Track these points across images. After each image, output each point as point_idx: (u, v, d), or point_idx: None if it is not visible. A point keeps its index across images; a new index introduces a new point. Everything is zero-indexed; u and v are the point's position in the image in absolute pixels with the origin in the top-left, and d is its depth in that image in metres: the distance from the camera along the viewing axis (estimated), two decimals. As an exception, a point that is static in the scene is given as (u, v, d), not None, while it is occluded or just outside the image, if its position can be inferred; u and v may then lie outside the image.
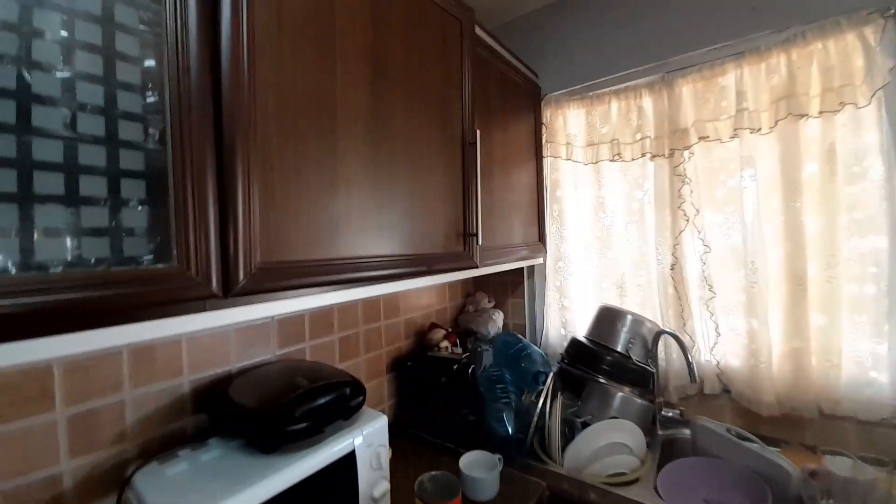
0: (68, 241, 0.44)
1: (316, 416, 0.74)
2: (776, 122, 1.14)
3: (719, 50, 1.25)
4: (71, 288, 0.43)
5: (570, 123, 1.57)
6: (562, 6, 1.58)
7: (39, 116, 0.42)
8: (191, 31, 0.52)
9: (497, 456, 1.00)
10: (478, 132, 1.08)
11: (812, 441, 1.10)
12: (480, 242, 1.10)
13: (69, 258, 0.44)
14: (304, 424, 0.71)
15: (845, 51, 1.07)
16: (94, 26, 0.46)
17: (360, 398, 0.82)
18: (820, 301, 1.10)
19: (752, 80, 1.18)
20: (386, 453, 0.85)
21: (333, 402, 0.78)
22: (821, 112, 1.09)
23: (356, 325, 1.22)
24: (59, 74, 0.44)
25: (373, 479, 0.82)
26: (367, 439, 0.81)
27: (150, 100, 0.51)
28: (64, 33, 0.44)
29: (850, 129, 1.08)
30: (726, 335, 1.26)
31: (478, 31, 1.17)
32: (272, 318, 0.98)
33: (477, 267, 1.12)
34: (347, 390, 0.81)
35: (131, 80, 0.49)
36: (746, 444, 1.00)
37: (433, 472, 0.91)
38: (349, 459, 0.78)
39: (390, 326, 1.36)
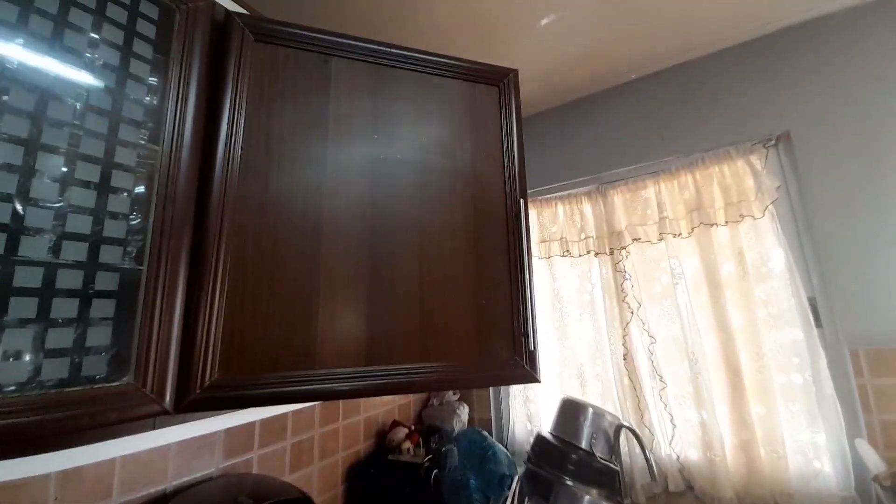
0: (29, 363, 0.45)
1: (260, 542, 0.68)
2: (692, 229, 1.34)
3: (640, 168, 1.49)
4: (22, 411, 0.43)
5: (523, 223, 1.74)
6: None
7: (27, 246, 0.46)
8: (182, 165, 0.60)
9: (461, 578, 0.92)
10: (521, 202, 0.88)
11: (776, 539, 1.09)
12: (533, 346, 0.82)
13: (25, 380, 0.44)
14: (245, 553, 0.65)
15: (737, 173, 1.31)
16: (94, 166, 0.53)
17: (311, 516, 0.77)
18: (756, 391, 1.18)
19: (668, 193, 1.40)
20: (337, 583, 0.77)
21: (281, 522, 0.72)
22: (726, 222, 1.29)
23: (311, 428, 1.15)
24: (52, 206, 0.49)
25: None
26: (315, 567, 0.74)
27: (134, 223, 0.56)
28: (64, 170, 0.50)
29: (753, 235, 1.27)
30: (682, 426, 1.30)
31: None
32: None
33: (538, 380, 0.83)
34: (297, 508, 0.76)
35: (120, 209, 0.55)
36: (713, 547, 0.98)
37: None
38: None
39: (349, 427, 1.30)
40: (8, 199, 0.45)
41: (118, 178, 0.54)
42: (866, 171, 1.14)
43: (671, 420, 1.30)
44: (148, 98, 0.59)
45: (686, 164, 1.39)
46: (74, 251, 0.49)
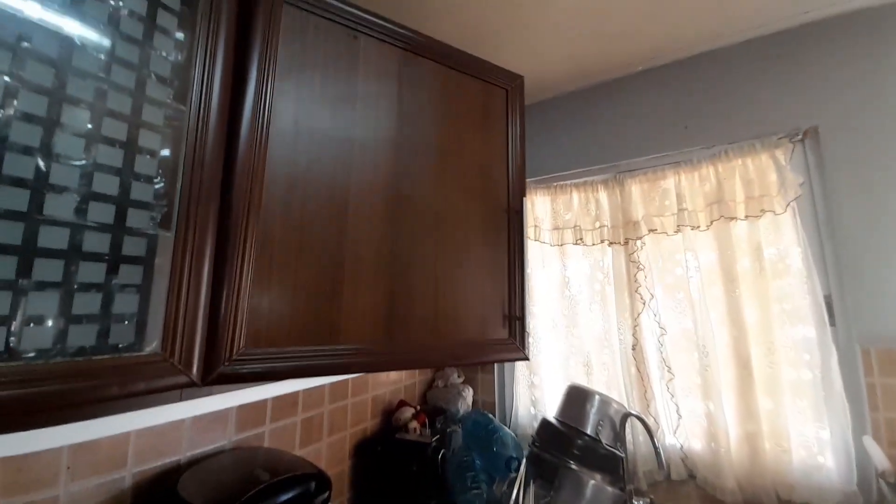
0: (53, 329, 0.42)
1: (278, 516, 0.68)
2: (711, 222, 1.32)
3: (660, 158, 1.46)
4: (45, 380, 0.41)
5: (537, 208, 1.72)
6: (529, 108, 1.81)
7: (52, 205, 0.43)
8: (211, 128, 0.57)
9: (469, 556, 0.93)
10: (525, 200, 1.01)
11: (775, 529, 1.12)
12: (528, 328, 0.98)
13: (49, 347, 0.42)
14: (264, 526, 0.65)
15: (761, 167, 1.28)
16: (120, 123, 0.50)
17: (326, 494, 0.77)
18: (765, 385, 1.19)
19: (688, 185, 1.38)
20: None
21: (296, 499, 0.72)
22: (746, 216, 1.27)
23: (321, 405, 1.15)
24: (77, 163, 0.46)
25: (334, 590, 0.74)
26: (331, 542, 0.74)
27: (159, 187, 0.53)
28: (90, 125, 0.47)
29: (772, 231, 1.26)
30: (687, 417, 1.31)
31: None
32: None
33: (527, 358, 0.98)
34: (312, 485, 0.75)
35: (147, 171, 0.51)
36: (716, 535, 1.00)
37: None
38: (310, 567, 0.70)
39: (357, 404, 1.30)
40: (30, 152, 0.42)
41: (145, 138, 0.51)
42: (894, 171, 1.12)
43: (677, 410, 1.31)
44: (175, 54, 0.55)
45: (708, 155, 1.36)
46: (101, 213, 0.47)
